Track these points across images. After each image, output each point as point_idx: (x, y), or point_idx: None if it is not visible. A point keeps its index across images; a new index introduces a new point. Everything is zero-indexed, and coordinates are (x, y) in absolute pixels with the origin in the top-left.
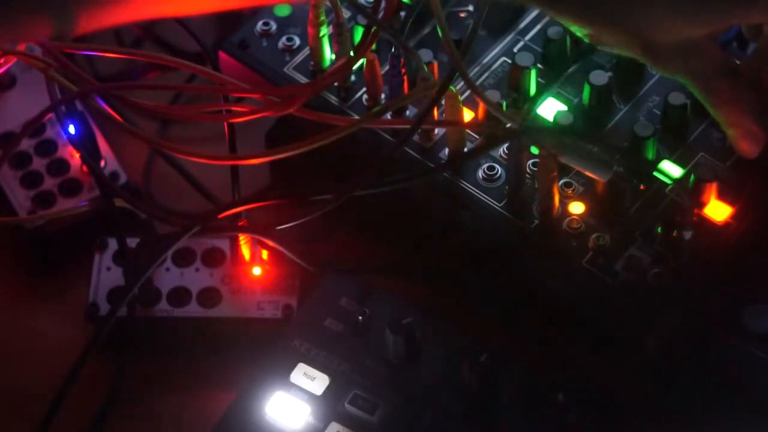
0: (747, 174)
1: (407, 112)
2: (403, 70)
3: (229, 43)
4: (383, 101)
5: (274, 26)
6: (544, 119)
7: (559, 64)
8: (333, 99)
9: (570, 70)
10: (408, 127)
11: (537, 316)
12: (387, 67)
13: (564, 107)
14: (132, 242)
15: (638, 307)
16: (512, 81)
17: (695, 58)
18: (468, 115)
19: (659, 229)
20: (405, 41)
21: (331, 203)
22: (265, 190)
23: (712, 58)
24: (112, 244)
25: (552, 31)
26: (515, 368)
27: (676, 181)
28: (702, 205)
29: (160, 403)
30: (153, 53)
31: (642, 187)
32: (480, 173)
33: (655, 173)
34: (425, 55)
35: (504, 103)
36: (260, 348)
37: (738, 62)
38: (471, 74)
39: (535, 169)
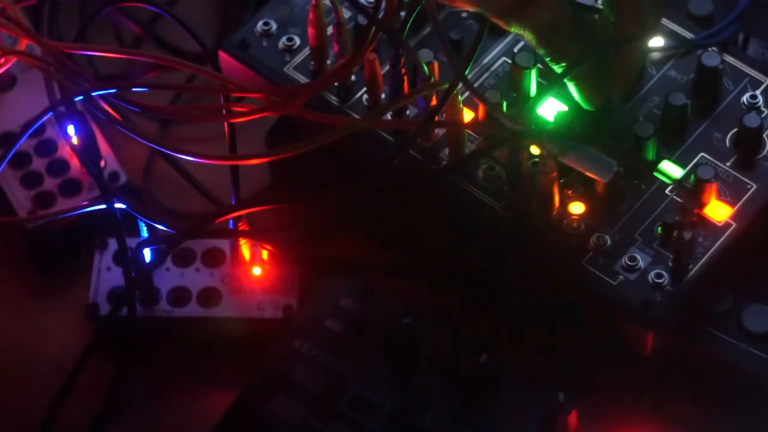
0: None
1: (407, 112)
2: (403, 70)
3: (229, 43)
4: (383, 101)
5: (274, 26)
6: (544, 119)
7: None
8: (333, 99)
9: None
10: (408, 127)
11: (537, 315)
12: (387, 67)
13: (564, 107)
14: (132, 242)
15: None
16: (512, 81)
17: (539, 11)
18: (468, 115)
19: (659, 229)
20: (405, 41)
21: (332, 208)
22: (266, 193)
23: (556, 11)
24: (112, 244)
25: None
26: (515, 368)
27: (676, 181)
28: (702, 205)
29: (161, 404)
30: (153, 53)
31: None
32: (480, 173)
33: (655, 173)
34: (425, 55)
35: (504, 104)
36: (260, 348)
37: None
38: (471, 75)
39: (535, 169)
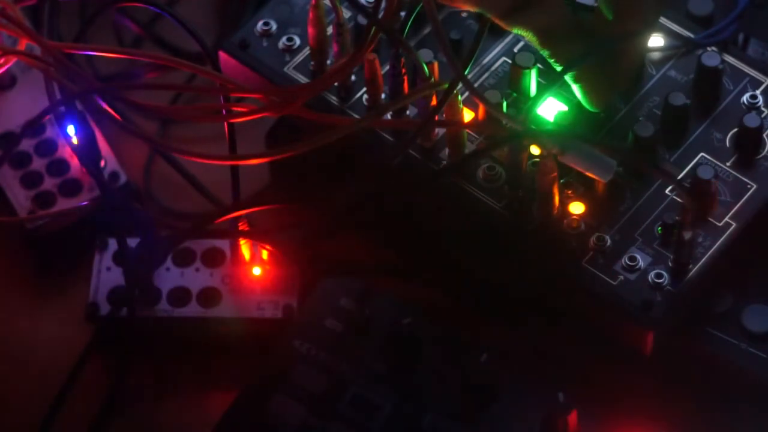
0: None
1: (407, 112)
2: (403, 70)
3: (229, 43)
4: (383, 101)
5: (274, 26)
6: (544, 119)
7: None
8: (333, 99)
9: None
10: (408, 127)
11: (537, 315)
12: (387, 67)
13: (564, 107)
14: (132, 242)
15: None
16: (512, 81)
17: (540, 12)
18: (468, 115)
19: (659, 229)
20: (405, 41)
21: (332, 208)
22: (266, 193)
23: (558, 12)
24: (112, 244)
25: None
26: (515, 368)
27: (676, 181)
28: (702, 205)
29: (161, 404)
30: (153, 53)
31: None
32: (480, 173)
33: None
34: (425, 55)
35: (504, 104)
36: (260, 348)
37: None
38: (471, 75)
39: (535, 169)
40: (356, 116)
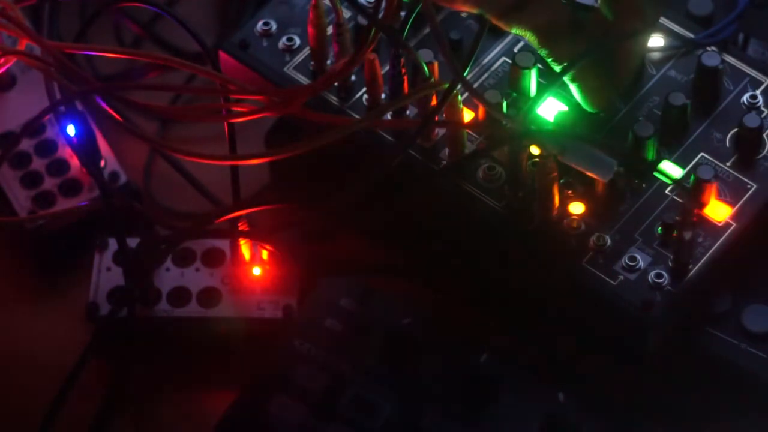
0: None
1: (407, 112)
2: (403, 70)
3: (229, 43)
4: (383, 101)
5: (274, 26)
6: (544, 119)
7: None
8: (333, 99)
9: None
10: (408, 127)
11: (537, 316)
12: (387, 67)
13: (564, 107)
14: (132, 242)
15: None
16: (512, 81)
17: (539, 12)
18: (468, 115)
19: (659, 229)
20: (405, 41)
21: (332, 208)
22: (266, 193)
23: (557, 12)
24: (112, 244)
25: None
26: (515, 368)
27: (676, 181)
28: (702, 205)
29: (160, 403)
30: (153, 53)
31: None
32: (480, 173)
33: (655, 173)
34: (425, 55)
35: (504, 104)
36: (260, 348)
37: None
38: (470, 75)
39: (535, 169)
40: (356, 116)
